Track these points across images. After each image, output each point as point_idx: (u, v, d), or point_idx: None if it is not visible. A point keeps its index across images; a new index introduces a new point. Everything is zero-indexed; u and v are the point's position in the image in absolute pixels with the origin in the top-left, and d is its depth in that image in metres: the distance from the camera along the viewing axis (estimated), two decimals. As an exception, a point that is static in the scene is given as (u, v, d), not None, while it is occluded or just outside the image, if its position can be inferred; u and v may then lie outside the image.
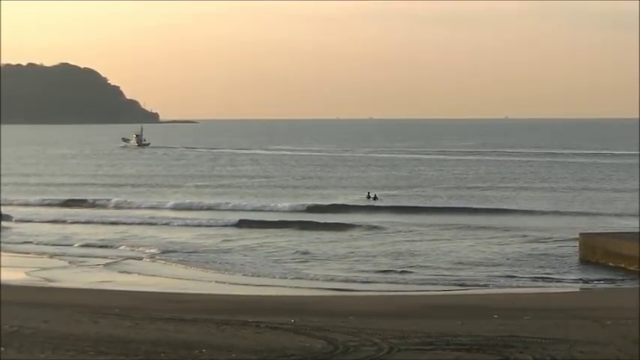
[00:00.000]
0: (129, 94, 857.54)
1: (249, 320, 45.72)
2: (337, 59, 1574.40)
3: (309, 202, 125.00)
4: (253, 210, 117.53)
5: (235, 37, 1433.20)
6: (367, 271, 70.97)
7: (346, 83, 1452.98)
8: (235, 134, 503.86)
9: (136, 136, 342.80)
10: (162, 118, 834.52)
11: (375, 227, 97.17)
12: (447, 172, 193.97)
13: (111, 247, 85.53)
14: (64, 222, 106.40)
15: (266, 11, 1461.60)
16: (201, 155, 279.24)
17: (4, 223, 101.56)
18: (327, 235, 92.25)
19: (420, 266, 72.27)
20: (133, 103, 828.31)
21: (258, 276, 69.00)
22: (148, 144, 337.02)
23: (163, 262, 76.54)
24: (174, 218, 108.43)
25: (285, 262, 74.93)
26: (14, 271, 71.11)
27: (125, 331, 42.36)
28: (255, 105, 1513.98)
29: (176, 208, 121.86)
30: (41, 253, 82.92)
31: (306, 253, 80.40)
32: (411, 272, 70.02)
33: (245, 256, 78.68)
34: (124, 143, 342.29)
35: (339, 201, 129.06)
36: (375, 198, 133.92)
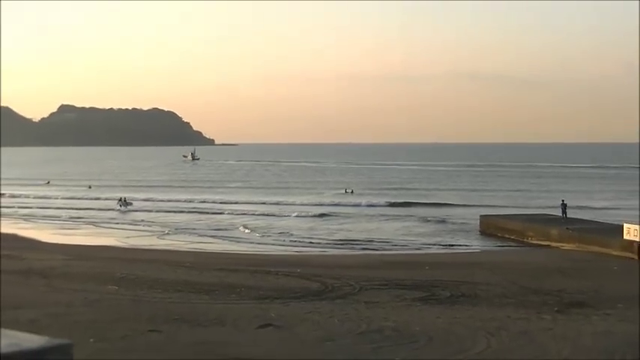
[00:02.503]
0: (196, 127, 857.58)
1: (271, 270, 46.90)
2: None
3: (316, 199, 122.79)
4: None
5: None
6: (345, 240, 71.85)
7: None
8: (261, 152, 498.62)
9: (191, 154, 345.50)
10: (216, 142, 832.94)
11: (350, 214, 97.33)
12: (401, 177, 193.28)
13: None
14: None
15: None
16: (228, 165, 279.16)
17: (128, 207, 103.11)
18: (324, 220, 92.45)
19: (379, 240, 73.05)
20: (198, 133, 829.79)
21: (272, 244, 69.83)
22: (199, 159, 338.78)
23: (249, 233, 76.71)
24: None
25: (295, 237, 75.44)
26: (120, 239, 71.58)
27: (193, 277, 43.55)
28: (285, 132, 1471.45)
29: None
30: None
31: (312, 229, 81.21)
32: (372, 241, 70.99)
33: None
34: (184, 158, 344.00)
35: (326, 196, 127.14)
36: (351, 192, 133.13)
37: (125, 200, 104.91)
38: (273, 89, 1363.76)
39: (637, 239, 56.67)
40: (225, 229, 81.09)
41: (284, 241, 72.09)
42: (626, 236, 58.02)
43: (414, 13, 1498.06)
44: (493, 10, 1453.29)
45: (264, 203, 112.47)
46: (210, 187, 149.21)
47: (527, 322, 30.32)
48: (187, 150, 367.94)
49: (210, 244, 69.53)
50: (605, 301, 36.37)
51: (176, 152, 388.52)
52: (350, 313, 32.08)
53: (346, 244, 69.73)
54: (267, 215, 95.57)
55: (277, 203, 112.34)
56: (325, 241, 71.26)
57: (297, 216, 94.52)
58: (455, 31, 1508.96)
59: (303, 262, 52.05)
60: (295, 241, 72.15)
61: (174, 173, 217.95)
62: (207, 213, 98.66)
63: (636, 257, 55.73)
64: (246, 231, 79.05)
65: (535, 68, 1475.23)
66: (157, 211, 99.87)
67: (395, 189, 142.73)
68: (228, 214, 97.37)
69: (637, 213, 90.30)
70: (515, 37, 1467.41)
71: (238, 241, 71.96)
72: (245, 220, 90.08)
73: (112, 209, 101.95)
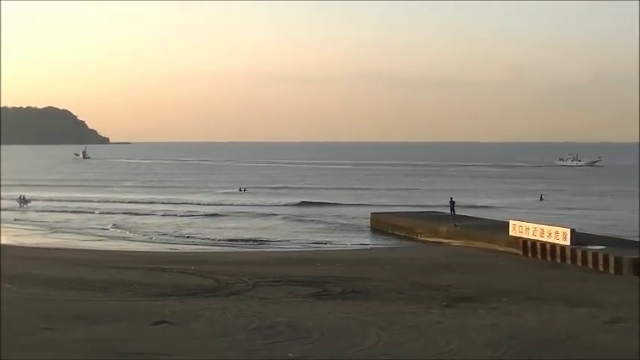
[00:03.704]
0: (91, 126, 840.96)
1: (166, 267, 46.74)
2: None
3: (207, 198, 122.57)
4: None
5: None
6: (238, 238, 71.73)
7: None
8: (146, 150, 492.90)
9: (82, 152, 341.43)
10: (111, 140, 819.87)
11: (243, 213, 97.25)
12: (295, 176, 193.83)
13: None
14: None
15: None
16: (120, 163, 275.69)
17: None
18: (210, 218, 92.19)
19: (272, 237, 73.30)
20: (93, 132, 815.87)
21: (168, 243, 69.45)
22: (90, 157, 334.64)
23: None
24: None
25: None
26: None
27: (87, 275, 43.11)
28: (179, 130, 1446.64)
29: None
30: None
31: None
32: (266, 239, 71.10)
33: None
34: (75, 157, 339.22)
35: (220, 195, 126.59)
36: (244, 190, 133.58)
37: (24, 198, 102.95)
38: (171, 88, 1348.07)
39: (522, 235, 58.09)
40: (117, 228, 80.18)
41: (178, 239, 71.62)
42: (511, 232, 59.41)
43: (317, 14, 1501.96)
44: (396, 11, 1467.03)
45: (153, 202, 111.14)
46: (106, 187, 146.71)
47: (417, 316, 30.92)
48: (80, 148, 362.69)
49: (104, 242, 68.84)
50: (491, 295, 37.29)
51: (70, 151, 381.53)
52: (243, 309, 32.23)
53: (239, 241, 69.68)
54: (160, 214, 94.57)
55: (170, 202, 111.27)
56: (219, 239, 71.01)
57: (191, 214, 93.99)
58: (358, 32, 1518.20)
59: (197, 260, 51.89)
60: (190, 238, 71.74)
61: (62, 172, 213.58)
62: (95, 212, 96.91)
63: (521, 253, 57.15)
64: (124, 231, 77.93)
65: (434, 69, 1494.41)
66: (51, 211, 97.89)
67: (289, 188, 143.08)
68: (122, 212, 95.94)
69: (522, 210, 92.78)
70: (418, 39, 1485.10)
71: (133, 240, 71.27)
72: (136, 219, 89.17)
73: (9, 209, 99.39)
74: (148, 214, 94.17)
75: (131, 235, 75.11)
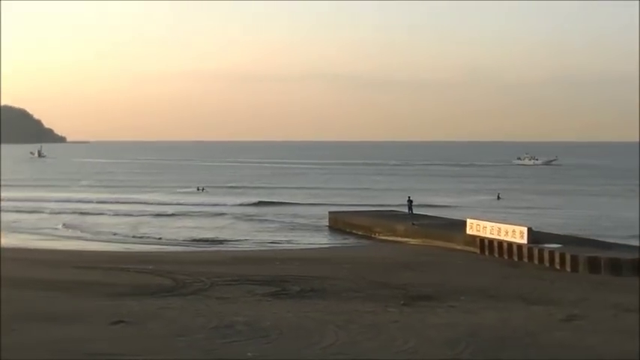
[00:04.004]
0: (47, 125, 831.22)
1: (124, 267, 46.53)
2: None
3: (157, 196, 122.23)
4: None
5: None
6: (197, 238, 71.43)
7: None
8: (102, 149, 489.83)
9: (38, 151, 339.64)
10: (68, 139, 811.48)
11: (201, 212, 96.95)
12: (253, 175, 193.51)
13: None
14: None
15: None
16: (77, 163, 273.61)
17: None
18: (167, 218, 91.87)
19: (230, 237, 73.16)
20: (49, 131, 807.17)
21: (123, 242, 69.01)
22: (45, 156, 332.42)
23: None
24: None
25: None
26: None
27: (46, 274, 42.76)
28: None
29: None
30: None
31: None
32: (224, 239, 70.90)
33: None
34: (31, 156, 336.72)
35: (178, 194, 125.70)
36: (202, 190, 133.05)
37: None
38: (132, 87, 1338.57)
39: (479, 234, 58.48)
40: (67, 227, 79.52)
41: (135, 239, 71.19)
42: (469, 231, 59.80)
43: (271, 13, 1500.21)
44: (358, 14, 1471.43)
45: (107, 202, 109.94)
46: (60, 186, 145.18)
47: (375, 315, 30.99)
48: (35, 147, 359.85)
49: (62, 242, 68.23)
50: (449, 293, 37.49)
51: (25, 150, 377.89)
52: (202, 308, 32.15)
53: (197, 241, 69.45)
54: (115, 214, 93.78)
55: (127, 201, 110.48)
56: (176, 239, 70.74)
57: (148, 214, 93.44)
58: (309, 33, 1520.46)
59: (154, 260, 51.70)
60: (146, 238, 71.39)
61: (17, 171, 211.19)
62: (44, 212, 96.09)
63: (479, 251, 57.54)
64: (76, 231, 77.28)
65: (391, 70, 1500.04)
66: (5, 211, 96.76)
67: (247, 187, 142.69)
68: (75, 212, 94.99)
69: (479, 209, 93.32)
70: (370, 39, 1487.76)
71: (90, 240, 70.69)
72: (89, 218, 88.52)
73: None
74: (102, 214, 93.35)
75: (84, 234, 74.52)
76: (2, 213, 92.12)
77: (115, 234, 74.30)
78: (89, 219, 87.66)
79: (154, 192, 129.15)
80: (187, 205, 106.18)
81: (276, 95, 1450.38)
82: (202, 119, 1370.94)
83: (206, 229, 78.74)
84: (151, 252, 60.66)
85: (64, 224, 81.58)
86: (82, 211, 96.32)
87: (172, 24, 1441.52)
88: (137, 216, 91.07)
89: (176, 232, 75.29)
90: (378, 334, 27.14)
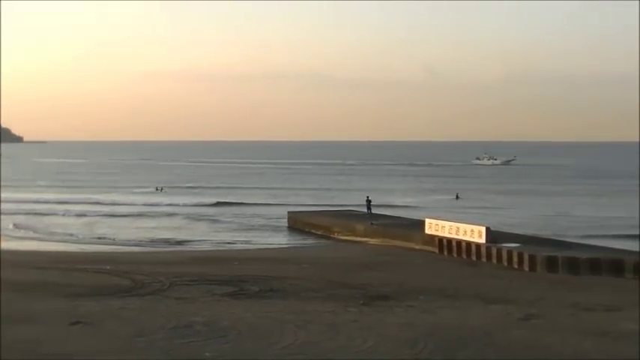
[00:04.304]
0: (4, 124, 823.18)
1: (81, 267, 46.20)
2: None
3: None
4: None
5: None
6: (155, 238, 71.14)
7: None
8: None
9: None
10: (25, 139, 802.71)
11: (159, 213, 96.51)
12: (211, 175, 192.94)
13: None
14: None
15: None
16: (33, 163, 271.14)
17: None
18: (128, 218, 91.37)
19: (189, 237, 73.02)
20: (6, 130, 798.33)
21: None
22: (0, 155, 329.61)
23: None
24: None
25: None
26: None
27: (3, 275, 42.29)
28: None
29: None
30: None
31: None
32: (184, 240, 70.64)
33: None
34: None
35: (136, 194, 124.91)
36: (161, 190, 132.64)
37: None
38: (92, 86, 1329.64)
39: (438, 234, 58.78)
40: (18, 228, 78.65)
41: (92, 239, 70.74)
42: (427, 231, 60.11)
43: (231, 13, 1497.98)
44: (321, 14, 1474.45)
45: (63, 202, 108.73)
46: (14, 186, 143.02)
47: (334, 314, 31.02)
48: None
49: (17, 242, 67.70)
50: (408, 293, 37.66)
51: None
52: (160, 309, 32.02)
53: (155, 241, 69.23)
54: (72, 214, 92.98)
55: (84, 202, 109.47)
56: (134, 239, 70.47)
57: (105, 214, 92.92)
58: (285, 33, 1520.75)
59: (112, 260, 51.40)
60: (103, 239, 70.96)
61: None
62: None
63: (437, 251, 57.86)
64: (28, 231, 76.64)
65: (353, 69, 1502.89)
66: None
67: (205, 187, 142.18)
68: (28, 213, 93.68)
69: (438, 209, 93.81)
70: (337, 39, 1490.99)
71: (46, 240, 70.22)
72: (45, 219, 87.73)
73: None
74: (57, 214, 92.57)
75: (37, 235, 73.85)
76: None
77: (70, 234, 73.79)
78: (44, 219, 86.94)
79: (112, 192, 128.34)
80: (145, 205, 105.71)
81: (243, 95, 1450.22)
82: (163, 119, 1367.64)
83: (164, 229, 78.49)
84: (108, 252, 60.28)
85: (14, 224, 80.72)
86: (37, 211, 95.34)
87: (136, 24, 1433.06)
88: (93, 216, 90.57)
89: (134, 233, 74.98)
90: (338, 333, 27.18)
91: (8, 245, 64.55)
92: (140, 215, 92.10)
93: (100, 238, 71.35)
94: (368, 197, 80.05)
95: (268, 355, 24.23)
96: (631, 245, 59.61)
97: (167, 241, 69.11)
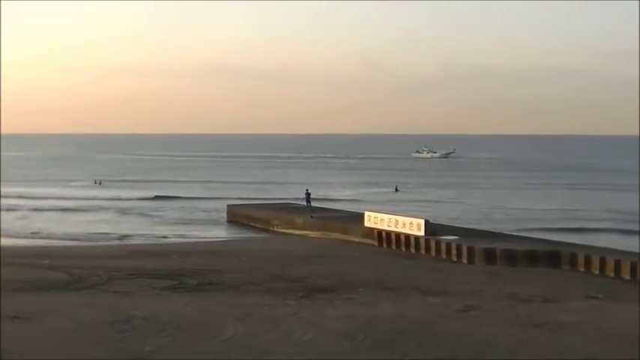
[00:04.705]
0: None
1: (17, 262, 45.65)
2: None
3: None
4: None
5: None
6: (93, 232, 70.39)
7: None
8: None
9: None
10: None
11: (98, 207, 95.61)
12: (148, 168, 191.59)
13: None
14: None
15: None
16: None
17: None
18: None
19: (129, 231, 72.60)
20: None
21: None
22: None
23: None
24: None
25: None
26: None
27: None
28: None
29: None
30: None
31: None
32: (122, 234, 70.13)
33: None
34: None
35: (74, 188, 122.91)
36: (99, 183, 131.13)
37: None
38: (27, 78, 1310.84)
39: (377, 226, 59.11)
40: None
41: (28, 233, 69.84)
42: (366, 224, 60.41)
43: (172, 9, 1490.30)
44: (255, 8, 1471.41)
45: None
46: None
47: (274, 307, 31.14)
48: None
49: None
50: (347, 286, 37.91)
51: None
52: (99, 303, 31.89)
53: (93, 235, 68.51)
54: (9, 209, 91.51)
55: (20, 196, 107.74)
56: (72, 233, 69.67)
57: (42, 208, 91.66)
58: (216, 27, 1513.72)
59: (49, 254, 50.75)
60: (40, 233, 70.09)
61: None
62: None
63: (376, 244, 58.18)
64: None
65: (291, 64, 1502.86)
66: None
67: (144, 180, 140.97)
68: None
69: (377, 202, 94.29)
70: (276, 34, 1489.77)
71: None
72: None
73: None
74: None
75: None
76: None
77: (4, 229, 72.73)
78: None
79: (50, 186, 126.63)
80: (84, 199, 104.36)
81: (179, 90, 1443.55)
82: (104, 112, 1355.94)
83: (102, 223, 77.81)
84: (45, 246, 59.48)
85: None
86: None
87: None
88: (30, 210, 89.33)
89: (71, 227, 74.14)
90: (277, 326, 27.30)
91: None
92: (78, 209, 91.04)
93: (36, 232, 70.50)
94: (307, 190, 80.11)
95: (208, 349, 24.28)
96: (566, 237, 60.58)
97: (105, 235, 68.48)
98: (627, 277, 44.14)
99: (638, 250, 53.61)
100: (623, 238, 65.48)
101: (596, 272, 45.63)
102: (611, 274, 44.86)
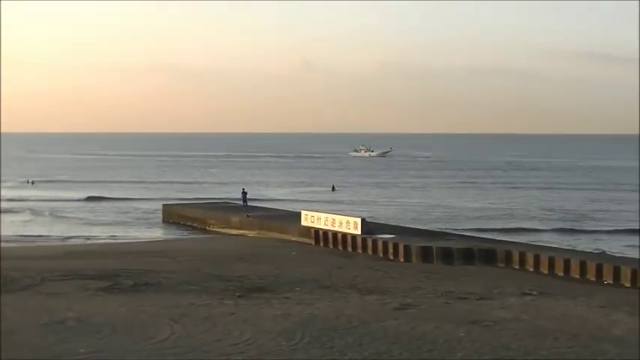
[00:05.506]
0: None
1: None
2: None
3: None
4: None
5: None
6: (25, 234, 69.36)
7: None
8: None
9: None
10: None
11: (30, 207, 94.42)
12: (82, 168, 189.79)
13: None
14: None
15: None
16: None
17: None
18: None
19: (62, 232, 71.81)
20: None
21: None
22: None
23: None
24: None
25: None
26: None
27: None
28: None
29: None
30: None
31: None
32: (55, 235, 69.27)
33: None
34: None
35: (5, 187, 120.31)
36: (32, 183, 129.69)
37: None
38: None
39: (314, 225, 59.29)
40: None
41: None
42: (303, 222, 60.56)
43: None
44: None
45: None
46: None
47: (210, 307, 31.08)
48: None
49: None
50: (284, 285, 37.93)
51: None
52: (31, 305, 31.47)
53: (25, 236, 67.70)
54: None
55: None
56: (3, 235, 68.61)
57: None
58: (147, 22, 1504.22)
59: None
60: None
61: None
62: None
63: (313, 242, 58.37)
64: None
65: (219, 60, 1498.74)
66: None
67: (77, 181, 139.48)
68: None
69: (314, 201, 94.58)
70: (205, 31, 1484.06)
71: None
72: None
73: None
74: None
75: None
76: None
77: None
78: None
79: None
80: (15, 200, 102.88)
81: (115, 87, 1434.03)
82: (41, 111, 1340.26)
83: (34, 223, 77.01)
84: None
85: None
86: None
87: None
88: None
89: (2, 227, 73.15)
90: (214, 326, 27.28)
91: None
92: (8, 210, 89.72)
93: None
94: (244, 189, 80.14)
95: (144, 350, 24.17)
96: (501, 235, 61.38)
97: (38, 236, 67.72)
98: (560, 273, 45.05)
99: (571, 247, 54.67)
100: (557, 236, 66.65)
101: (531, 269, 46.44)
102: (546, 272, 45.69)
